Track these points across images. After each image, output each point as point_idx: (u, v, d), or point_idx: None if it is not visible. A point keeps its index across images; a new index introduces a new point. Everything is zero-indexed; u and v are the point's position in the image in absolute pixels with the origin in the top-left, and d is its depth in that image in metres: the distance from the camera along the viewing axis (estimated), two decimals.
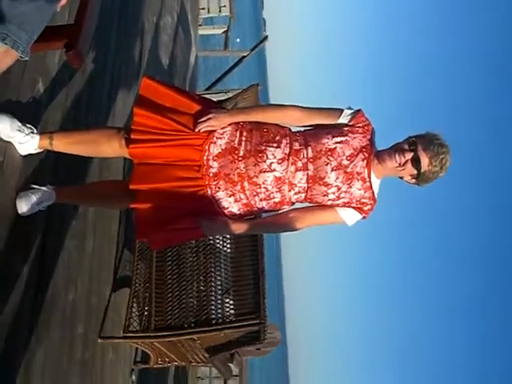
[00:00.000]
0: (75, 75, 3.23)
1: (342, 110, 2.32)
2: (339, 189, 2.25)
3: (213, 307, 3.27)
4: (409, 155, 2.22)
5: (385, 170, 2.29)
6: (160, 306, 3.34)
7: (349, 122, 2.30)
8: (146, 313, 3.41)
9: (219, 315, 3.25)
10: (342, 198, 2.27)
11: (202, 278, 3.40)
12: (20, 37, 1.41)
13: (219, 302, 3.30)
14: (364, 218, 2.34)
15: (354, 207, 2.30)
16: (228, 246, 3.47)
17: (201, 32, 9.64)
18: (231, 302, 3.26)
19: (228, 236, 3.47)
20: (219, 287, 3.35)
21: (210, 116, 2.25)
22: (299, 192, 2.26)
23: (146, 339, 3.38)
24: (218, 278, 3.39)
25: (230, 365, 4.16)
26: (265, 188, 2.23)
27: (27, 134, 2.41)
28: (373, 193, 2.30)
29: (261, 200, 2.28)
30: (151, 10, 5.68)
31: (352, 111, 2.32)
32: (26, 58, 1.49)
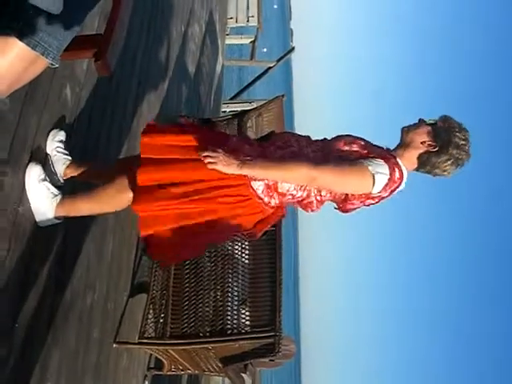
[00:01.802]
0: (103, 82, 3.27)
1: (373, 179, 2.23)
2: None
3: (229, 317, 3.26)
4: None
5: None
6: (176, 313, 3.34)
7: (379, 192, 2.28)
8: (161, 320, 3.42)
9: (235, 326, 3.24)
10: None
11: (219, 287, 3.40)
12: (50, 44, 1.43)
13: (235, 312, 3.29)
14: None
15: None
16: (246, 256, 3.47)
17: (228, 41, 9.70)
18: (247, 312, 3.25)
19: (247, 247, 3.47)
20: (236, 297, 3.34)
21: (219, 155, 2.14)
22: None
23: (161, 346, 3.39)
24: (235, 288, 3.39)
25: (244, 375, 4.15)
26: None
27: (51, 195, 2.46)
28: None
29: None
30: (180, 19, 5.73)
31: (385, 181, 2.24)
32: (56, 65, 1.51)
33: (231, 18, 9.54)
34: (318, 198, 2.35)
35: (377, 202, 2.33)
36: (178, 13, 5.59)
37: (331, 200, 2.38)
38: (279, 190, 2.33)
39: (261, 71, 9.72)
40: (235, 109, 8.05)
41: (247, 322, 3.24)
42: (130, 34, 3.81)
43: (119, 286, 3.51)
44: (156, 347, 3.43)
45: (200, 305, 3.34)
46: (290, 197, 2.36)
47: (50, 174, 2.54)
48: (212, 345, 3.28)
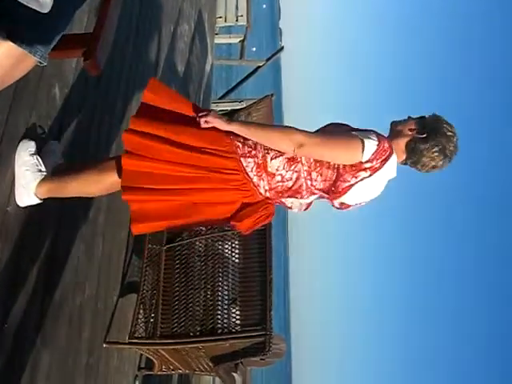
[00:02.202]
0: (92, 81, 3.26)
1: (362, 144, 2.23)
2: None
3: (219, 316, 3.27)
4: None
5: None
6: (166, 313, 3.34)
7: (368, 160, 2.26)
8: (152, 319, 3.42)
9: (225, 325, 3.24)
10: None
11: (209, 286, 3.40)
12: (38, 42, 1.43)
13: (225, 311, 3.30)
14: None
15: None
16: (236, 255, 3.47)
17: (217, 41, 9.68)
18: (238, 312, 3.26)
19: (237, 246, 3.47)
20: (226, 297, 3.35)
21: (211, 113, 2.28)
22: None
23: (151, 346, 3.39)
24: (226, 287, 3.39)
25: (234, 374, 4.15)
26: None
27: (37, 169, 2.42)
28: None
29: None
30: (169, 18, 5.72)
31: (374, 147, 2.24)
32: (45, 64, 1.50)
33: (220, 17, 9.53)
34: (309, 181, 2.31)
35: (370, 175, 2.26)
36: (166, 12, 5.58)
37: (322, 187, 2.33)
38: (268, 170, 2.31)
39: (250, 70, 9.72)
40: (225, 108, 8.03)
41: (238, 321, 3.24)
42: (118, 32, 3.79)
43: (109, 285, 3.50)
44: (146, 347, 3.43)
45: (190, 304, 3.34)
46: (279, 177, 2.31)
47: (44, 155, 2.50)
48: (202, 344, 3.29)
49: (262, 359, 3.63)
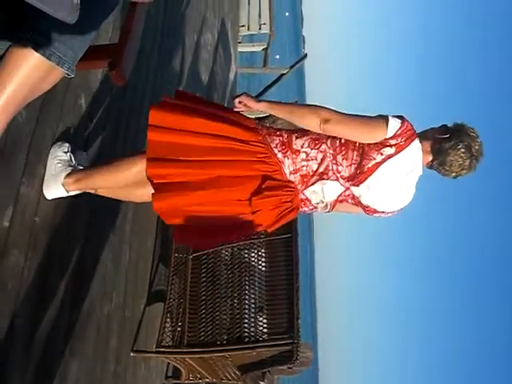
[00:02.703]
0: (117, 91, 3.29)
1: (387, 121, 2.27)
2: None
3: (246, 325, 3.26)
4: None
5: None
6: (193, 321, 3.34)
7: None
8: (179, 328, 3.43)
9: (252, 333, 3.23)
10: None
11: (235, 295, 3.39)
12: (65, 53, 1.44)
13: (252, 319, 3.28)
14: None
15: None
16: (263, 263, 3.46)
17: (240, 49, 9.70)
18: (264, 320, 3.24)
19: (263, 254, 3.47)
20: (253, 305, 3.34)
21: (243, 94, 2.41)
22: None
23: (178, 355, 3.39)
24: (252, 295, 3.38)
25: (261, 383, 4.13)
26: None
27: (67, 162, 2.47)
28: None
29: None
30: (192, 28, 5.75)
31: (398, 125, 2.27)
32: (72, 75, 1.51)
33: (243, 26, 9.55)
34: (334, 165, 2.30)
35: (396, 153, 2.26)
36: (190, 21, 5.62)
37: (348, 174, 2.31)
38: (293, 147, 2.32)
39: (274, 78, 9.72)
40: (249, 116, 8.02)
41: (264, 330, 3.23)
42: (143, 42, 3.83)
43: (136, 294, 3.51)
44: (173, 356, 3.44)
45: (217, 313, 3.34)
46: (304, 155, 2.30)
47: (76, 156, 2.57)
48: (229, 353, 3.28)
49: (289, 368, 3.61)
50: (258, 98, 2.55)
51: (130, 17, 1.93)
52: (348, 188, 2.35)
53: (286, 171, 2.33)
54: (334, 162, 2.30)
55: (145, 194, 2.46)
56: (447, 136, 2.33)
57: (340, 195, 2.37)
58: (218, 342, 3.25)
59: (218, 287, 3.44)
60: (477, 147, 2.33)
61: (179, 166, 2.31)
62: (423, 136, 2.38)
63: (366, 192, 2.34)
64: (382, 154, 2.26)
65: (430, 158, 2.37)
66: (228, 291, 3.42)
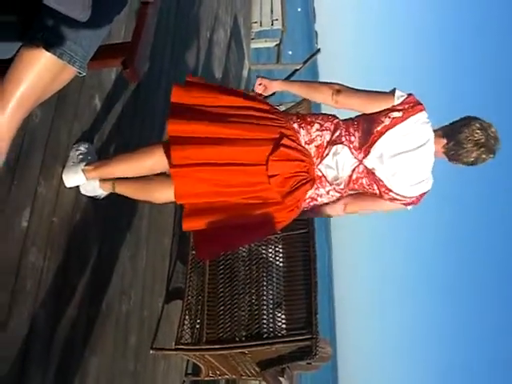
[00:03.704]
0: (131, 90, 3.30)
1: (394, 91, 2.37)
2: None
3: (264, 321, 3.26)
4: None
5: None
6: (212, 318, 3.35)
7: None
8: (197, 325, 3.43)
9: (270, 329, 3.23)
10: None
11: (253, 291, 3.39)
12: (76, 52, 1.44)
13: (271, 315, 3.28)
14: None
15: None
16: (280, 259, 3.46)
17: (253, 45, 9.71)
18: (283, 316, 3.24)
19: (280, 250, 3.47)
20: (271, 301, 3.34)
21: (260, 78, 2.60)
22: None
23: (198, 352, 3.39)
24: (270, 291, 3.38)
25: (281, 379, 4.13)
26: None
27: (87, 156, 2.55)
28: None
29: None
30: (205, 25, 5.76)
31: (404, 94, 2.36)
32: (84, 74, 1.51)
33: (255, 22, 9.55)
34: (347, 136, 2.36)
35: (403, 118, 2.31)
36: (202, 19, 5.62)
37: (358, 144, 2.34)
38: (307, 119, 2.41)
39: (287, 74, 9.70)
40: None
41: (283, 326, 3.23)
42: (156, 40, 3.83)
43: (154, 292, 3.53)
44: (193, 353, 3.44)
45: (235, 309, 3.34)
46: (318, 126, 2.37)
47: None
48: (248, 349, 3.28)
49: (308, 363, 3.61)
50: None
51: (142, 15, 1.93)
52: (361, 162, 2.35)
53: (302, 141, 2.37)
54: (346, 132, 2.37)
55: (164, 193, 2.51)
56: (459, 119, 2.40)
57: (354, 170, 2.37)
58: (237, 339, 3.26)
59: (236, 283, 3.44)
60: (493, 129, 2.34)
61: (199, 123, 2.34)
62: (436, 129, 2.40)
63: (378, 164, 2.33)
64: (390, 118, 2.32)
65: (445, 140, 2.38)
66: (246, 287, 3.42)
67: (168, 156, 2.38)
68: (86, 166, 2.51)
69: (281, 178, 2.34)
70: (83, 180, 2.52)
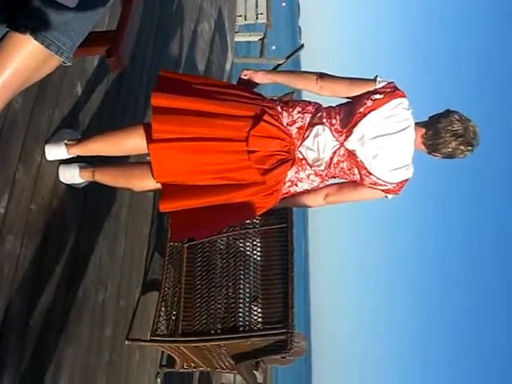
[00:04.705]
0: (113, 79, 3.28)
1: (375, 78, 2.41)
2: None
3: (240, 314, 3.27)
4: None
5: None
6: (188, 310, 3.35)
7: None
8: (173, 317, 3.43)
9: (246, 323, 3.24)
10: None
11: (230, 284, 3.40)
12: (64, 43, 1.43)
13: (247, 309, 3.29)
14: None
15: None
16: (258, 253, 3.47)
17: (237, 39, 9.68)
18: (259, 309, 3.25)
19: (258, 244, 3.47)
20: (247, 294, 3.35)
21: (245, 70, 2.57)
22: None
23: (173, 343, 3.39)
24: (247, 285, 3.39)
25: (255, 372, 4.15)
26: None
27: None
28: None
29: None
30: (189, 17, 5.73)
31: (385, 81, 2.41)
32: (69, 64, 1.50)
33: (240, 16, 9.51)
34: (328, 119, 2.39)
35: (384, 100, 2.35)
36: (187, 10, 5.59)
37: (340, 127, 2.37)
38: (289, 103, 2.45)
39: (270, 68, 9.70)
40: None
41: (259, 319, 3.24)
42: (140, 31, 3.81)
43: (131, 283, 3.52)
44: (168, 344, 3.44)
45: (212, 302, 3.35)
46: (300, 109, 2.41)
47: None
48: (224, 342, 3.28)
49: (283, 357, 3.63)
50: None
51: (128, 3, 1.92)
52: (342, 144, 2.37)
53: (284, 121, 2.39)
54: (327, 116, 2.40)
55: (144, 181, 2.50)
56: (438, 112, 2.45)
57: (335, 153, 2.38)
58: (213, 331, 3.26)
59: (213, 276, 3.44)
60: (472, 123, 2.39)
61: (183, 97, 2.36)
62: (417, 122, 2.44)
63: (359, 146, 2.35)
64: (372, 100, 2.35)
65: (424, 130, 2.41)
66: (223, 280, 3.43)
67: (148, 137, 2.38)
68: (68, 141, 2.52)
69: (261, 154, 2.34)
70: (65, 154, 2.52)
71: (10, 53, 1.40)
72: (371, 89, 2.38)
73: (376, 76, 2.41)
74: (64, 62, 1.48)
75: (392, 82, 2.41)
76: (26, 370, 2.24)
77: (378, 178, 2.38)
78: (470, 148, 2.39)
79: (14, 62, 1.41)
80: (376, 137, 2.33)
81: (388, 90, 2.38)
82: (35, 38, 1.38)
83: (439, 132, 2.38)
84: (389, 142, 2.34)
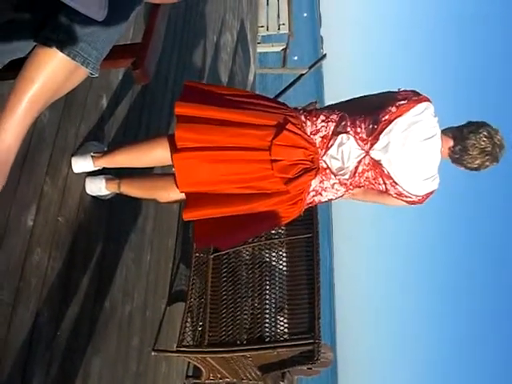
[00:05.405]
0: (138, 91, 3.31)
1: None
2: None
3: (266, 325, 3.25)
4: None
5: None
6: (214, 321, 3.35)
7: None
8: (199, 328, 3.43)
9: (272, 333, 3.23)
10: None
11: (256, 294, 3.39)
12: (90, 54, 1.44)
13: (273, 319, 3.28)
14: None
15: None
16: (283, 263, 3.46)
17: (259, 50, 9.71)
18: (285, 320, 3.23)
19: (284, 254, 3.46)
20: (273, 305, 3.33)
21: None
22: None
23: (199, 354, 3.39)
24: (273, 295, 3.38)
25: (281, 383, 4.13)
26: None
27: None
28: None
29: None
30: (211, 29, 5.76)
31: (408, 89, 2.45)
32: (96, 75, 1.52)
33: (262, 27, 9.55)
34: (352, 128, 2.37)
35: (410, 106, 2.34)
36: (209, 22, 5.63)
37: (365, 136, 2.35)
38: (313, 112, 2.43)
39: (293, 79, 9.71)
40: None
41: (285, 330, 3.22)
42: (164, 43, 3.83)
43: (157, 294, 3.53)
44: (194, 355, 3.44)
45: (238, 312, 3.34)
46: (323, 117, 2.39)
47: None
48: (250, 353, 3.27)
49: (309, 368, 3.60)
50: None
51: (153, 16, 1.93)
52: (367, 153, 2.33)
53: (307, 131, 2.37)
54: (352, 124, 2.36)
55: (169, 191, 2.52)
56: (468, 123, 2.40)
57: (360, 162, 2.35)
58: (239, 342, 3.25)
59: (239, 287, 3.44)
60: (499, 137, 2.35)
61: (207, 106, 2.37)
62: (444, 129, 2.42)
63: (385, 155, 2.32)
64: (396, 106, 2.32)
65: (452, 142, 2.38)
66: (249, 291, 3.42)
67: (173, 149, 2.39)
68: (94, 153, 2.55)
69: (284, 163, 2.33)
70: (91, 166, 2.54)
71: (37, 67, 1.41)
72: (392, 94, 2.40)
73: (399, 89, 2.41)
74: (91, 73, 1.49)
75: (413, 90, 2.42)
76: (53, 380, 2.25)
77: (403, 189, 2.35)
78: (495, 163, 2.38)
79: (42, 75, 1.42)
80: (402, 145, 2.30)
81: (411, 94, 2.37)
82: (61, 51, 1.40)
83: (467, 149, 2.35)
84: (415, 150, 2.31)
